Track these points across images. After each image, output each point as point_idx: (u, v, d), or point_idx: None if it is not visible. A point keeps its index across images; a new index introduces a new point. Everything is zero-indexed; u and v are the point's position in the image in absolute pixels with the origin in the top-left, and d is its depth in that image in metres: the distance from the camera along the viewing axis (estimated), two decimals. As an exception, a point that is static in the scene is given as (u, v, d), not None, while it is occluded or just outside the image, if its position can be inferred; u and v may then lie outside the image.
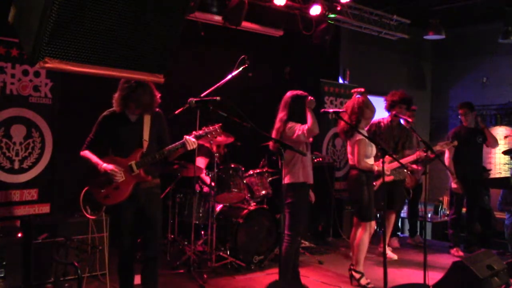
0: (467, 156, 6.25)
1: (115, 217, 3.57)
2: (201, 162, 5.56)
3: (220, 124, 3.62)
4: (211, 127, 3.61)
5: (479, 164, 6.49)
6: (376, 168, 4.73)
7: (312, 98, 4.25)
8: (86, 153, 3.54)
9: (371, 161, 4.80)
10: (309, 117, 4.15)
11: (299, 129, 4.10)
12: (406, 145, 5.83)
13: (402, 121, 5.77)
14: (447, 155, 6.30)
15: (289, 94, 4.32)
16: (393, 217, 5.92)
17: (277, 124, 4.26)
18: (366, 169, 4.70)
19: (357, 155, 4.70)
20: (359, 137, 4.65)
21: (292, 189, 4.18)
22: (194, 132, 3.61)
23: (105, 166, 3.42)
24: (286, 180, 4.18)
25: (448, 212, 8.28)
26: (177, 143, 3.54)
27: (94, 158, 3.48)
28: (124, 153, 3.50)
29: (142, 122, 3.55)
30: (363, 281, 4.72)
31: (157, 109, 3.67)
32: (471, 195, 6.32)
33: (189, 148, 3.52)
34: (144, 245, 3.63)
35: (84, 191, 3.48)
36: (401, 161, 4.91)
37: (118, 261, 3.63)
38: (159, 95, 3.59)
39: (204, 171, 5.46)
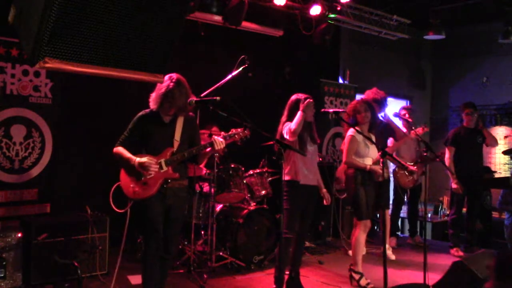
0: (468, 156, 6.25)
1: (142, 215, 3.62)
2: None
3: (245, 128, 3.76)
4: (239, 129, 3.77)
5: (479, 164, 6.49)
6: (368, 168, 4.72)
7: (309, 101, 4.25)
8: (120, 149, 3.62)
9: (368, 161, 4.79)
10: (296, 117, 4.21)
11: (285, 129, 4.23)
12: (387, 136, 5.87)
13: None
14: (447, 155, 6.30)
15: (292, 97, 4.38)
16: (387, 216, 5.92)
17: (279, 126, 4.39)
18: (353, 166, 4.73)
19: (345, 150, 4.76)
20: (349, 133, 4.72)
21: (286, 186, 4.28)
22: (222, 133, 3.77)
23: (139, 159, 3.53)
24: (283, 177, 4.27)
25: (448, 212, 8.29)
26: (206, 142, 3.69)
27: (127, 154, 3.59)
28: (156, 151, 3.63)
29: (175, 124, 3.70)
30: (363, 282, 4.71)
31: (191, 113, 3.84)
32: (471, 195, 6.32)
33: (216, 148, 3.65)
34: (163, 245, 3.70)
35: (114, 186, 3.64)
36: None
37: (143, 258, 3.68)
38: (195, 99, 3.75)
39: (204, 171, 5.47)
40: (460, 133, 6.32)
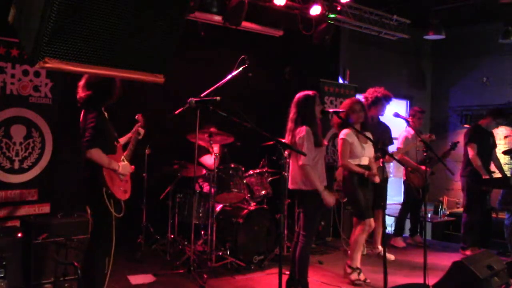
0: (482, 156, 6.20)
1: (109, 213, 3.56)
2: (209, 159, 5.57)
3: (140, 114, 4.06)
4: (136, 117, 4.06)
5: (489, 165, 6.46)
6: (366, 174, 4.72)
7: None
8: (102, 153, 3.43)
9: (365, 160, 4.80)
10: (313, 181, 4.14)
11: (304, 154, 4.06)
12: (387, 143, 5.84)
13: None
14: (471, 153, 6.13)
15: (299, 94, 4.35)
16: (380, 216, 5.90)
17: (289, 124, 4.33)
18: (349, 170, 4.72)
19: (339, 153, 4.78)
20: (341, 136, 4.74)
21: (310, 195, 4.22)
22: (137, 124, 4.02)
23: (121, 164, 3.59)
24: (305, 186, 4.22)
25: (448, 212, 8.28)
26: (131, 132, 3.98)
27: (108, 158, 3.48)
28: (112, 149, 3.60)
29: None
30: (353, 277, 4.77)
31: None
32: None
33: (140, 138, 3.96)
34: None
35: (104, 192, 3.48)
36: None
37: (102, 255, 3.65)
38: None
39: (205, 171, 5.48)
40: (478, 131, 6.27)
